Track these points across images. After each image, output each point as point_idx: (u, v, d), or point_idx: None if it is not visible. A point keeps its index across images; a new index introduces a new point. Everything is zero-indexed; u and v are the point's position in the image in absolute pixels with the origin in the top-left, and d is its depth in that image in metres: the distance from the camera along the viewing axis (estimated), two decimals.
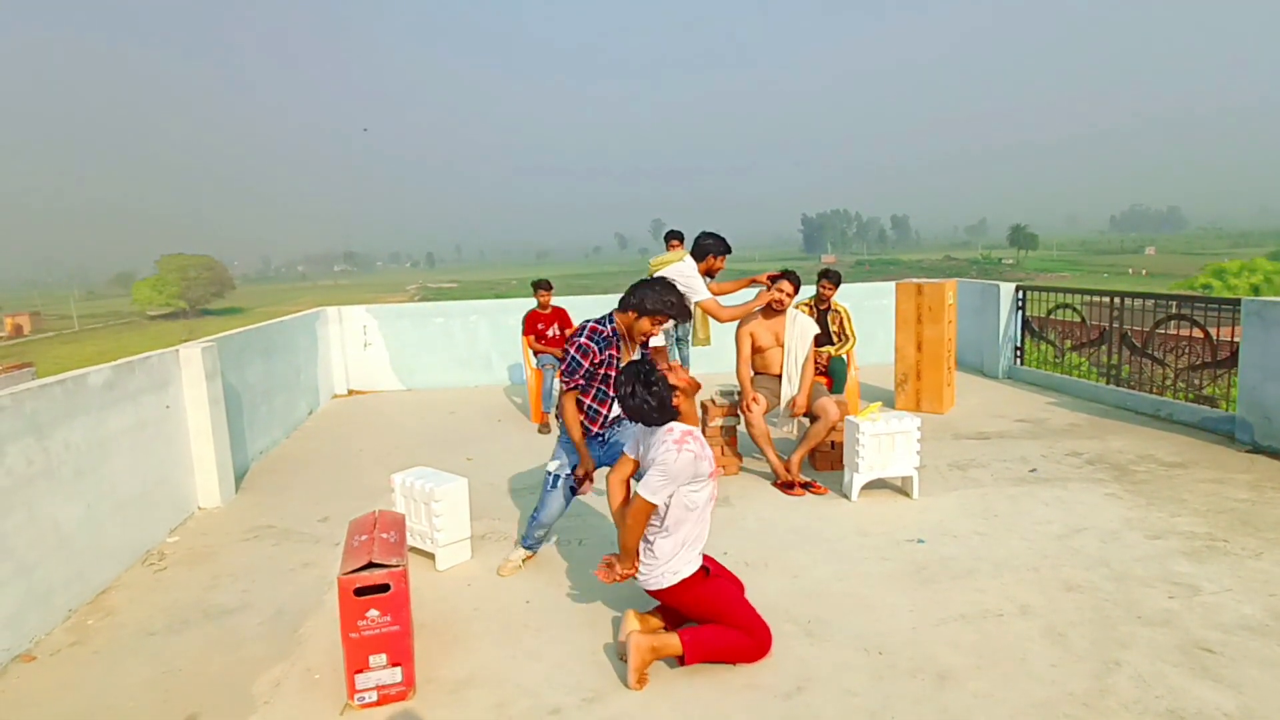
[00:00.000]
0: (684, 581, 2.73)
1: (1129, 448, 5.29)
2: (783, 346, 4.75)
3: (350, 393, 8.18)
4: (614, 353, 3.25)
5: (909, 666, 2.71)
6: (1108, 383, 6.70)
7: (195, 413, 4.50)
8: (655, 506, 2.66)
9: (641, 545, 2.77)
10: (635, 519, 2.68)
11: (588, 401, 3.31)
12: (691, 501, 2.72)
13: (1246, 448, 5.14)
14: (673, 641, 2.64)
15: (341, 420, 7.05)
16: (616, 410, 3.33)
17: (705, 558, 2.90)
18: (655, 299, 3.14)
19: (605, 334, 3.24)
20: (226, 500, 4.66)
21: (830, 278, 5.88)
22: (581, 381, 3.23)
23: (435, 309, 8.58)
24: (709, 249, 4.65)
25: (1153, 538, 3.78)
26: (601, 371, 3.25)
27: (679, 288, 3.39)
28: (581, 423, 3.33)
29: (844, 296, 6.20)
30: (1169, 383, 6.12)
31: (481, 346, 8.41)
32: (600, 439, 3.42)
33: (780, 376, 4.80)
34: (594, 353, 3.19)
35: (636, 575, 2.77)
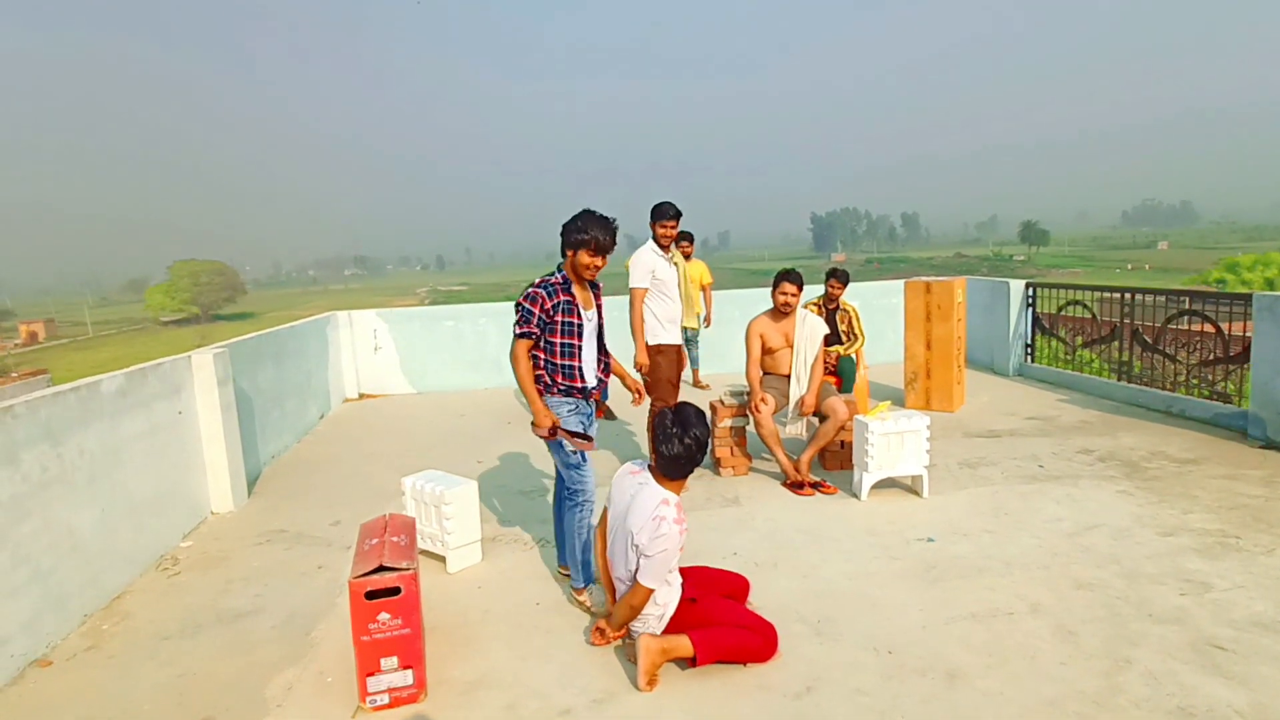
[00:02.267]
0: (674, 619, 2.79)
1: (1140, 444, 5.25)
2: (792, 347, 4.75)
3: (361, 396, 8.24)
4: (567, 298, 3.17)
5: (918, 665, 2.70)
6: (1119, 379, 6.66)
7: (207, 418, 4.55)
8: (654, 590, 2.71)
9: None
10: (638, 606, 2.72)
11: (560, 362, 3.19)
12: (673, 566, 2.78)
13: (1259, 444, 5.09)
14: (683, 643, 2.65)
15: (352, 424, 7.10)
16: (593, 377, 3.31)
17: (689, 581, 2.92)
18: (575, 231, 3.15)
19: (554, 282, 3.20)
20: (239, 505, 4.71)
21: (839, 277, 5.88)
22: (535, 330, 3.14)
23: (445, 312, 8.63)
24: (651, 219, 4.75)
25: (1164, 535, 3.75)
26: (560, 319, 3.17)
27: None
28: (557, 382, 3.21)
29: (853, 295, 6.20)
30: (1181, 379, 6.08)
31: (491, 349, 8.44)
32: (577, 407, 3.28)
33: (789, 377, 4.80)
34: (543, 299, 3.14)
35: (629, 635, 2.85)
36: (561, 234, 3.21)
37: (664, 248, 4.73)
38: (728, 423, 4.93)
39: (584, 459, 3.29)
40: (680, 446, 2.71)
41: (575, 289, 3.22)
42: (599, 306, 3.36)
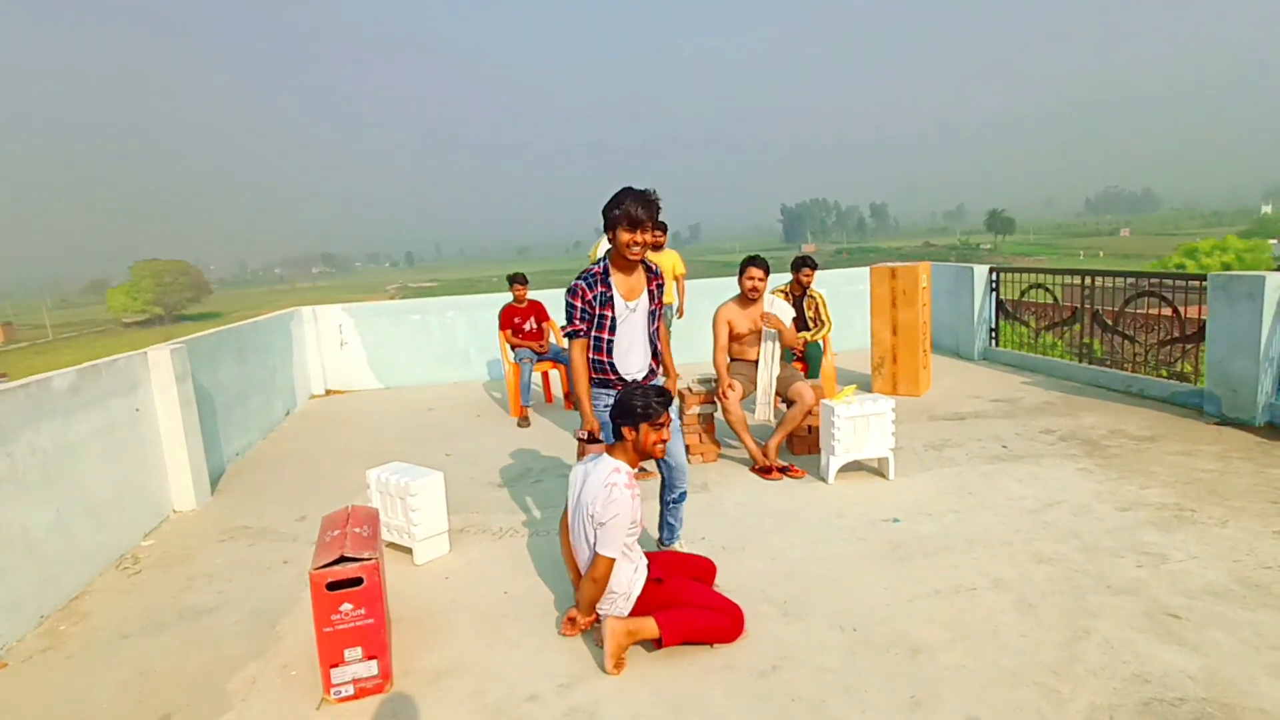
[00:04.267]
0: (640, 600, 2.78)
1: (1101, 423, 5.37)
2: (759, 332, 4.77)
3: (328, 392, 8.12)
4: (604, 289, 3.01)
5: (883, 642, 2.74)
6: (1080, 361, 6.80)
7: (166, 415, 4.45)
8: (616, 559, 2.70)
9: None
10: (601, 579, 2.70)
11: (591, 356, 3.09)
12: (631, 541, 2.79)
13: (1214, 420, 5.24)
14: (648, 625, 2.65)
15: (319, 420, 6.99)
16: (636, 368, 3.13)
17: (654, 564, 2.93)
18: (610, 209, 2.95)
19: (595, 272, 3.05)
20: (202, 502, 4.62)
21: (810, 265, 5.92)
22: (581, 326, 3.03)
23: (412, 306, 8.53)
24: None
25: (1123, 509, 3.84)
26: (597, 312, 3.02)
27: None
28: (593, 377, 3.12)
29: (820, 282, 6.24)
30: (1140, 359, 6.22)
31: (459, 342, 8.37)
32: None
33: (757, 362, 4.82)
34: (583, 290, 3.01)
35: (598, 620, 2.81)
36: (603, 218, 3.02)
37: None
38: (695, 410, 4.94)
39: (669, 456, 3.17)
40: (637, 397, 2.76)
41: (615, 277, 3.05)
42: (653, 291, 3.14)
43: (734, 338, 4.83)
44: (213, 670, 2.77)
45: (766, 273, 4.74)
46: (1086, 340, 6.76)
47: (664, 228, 7.80)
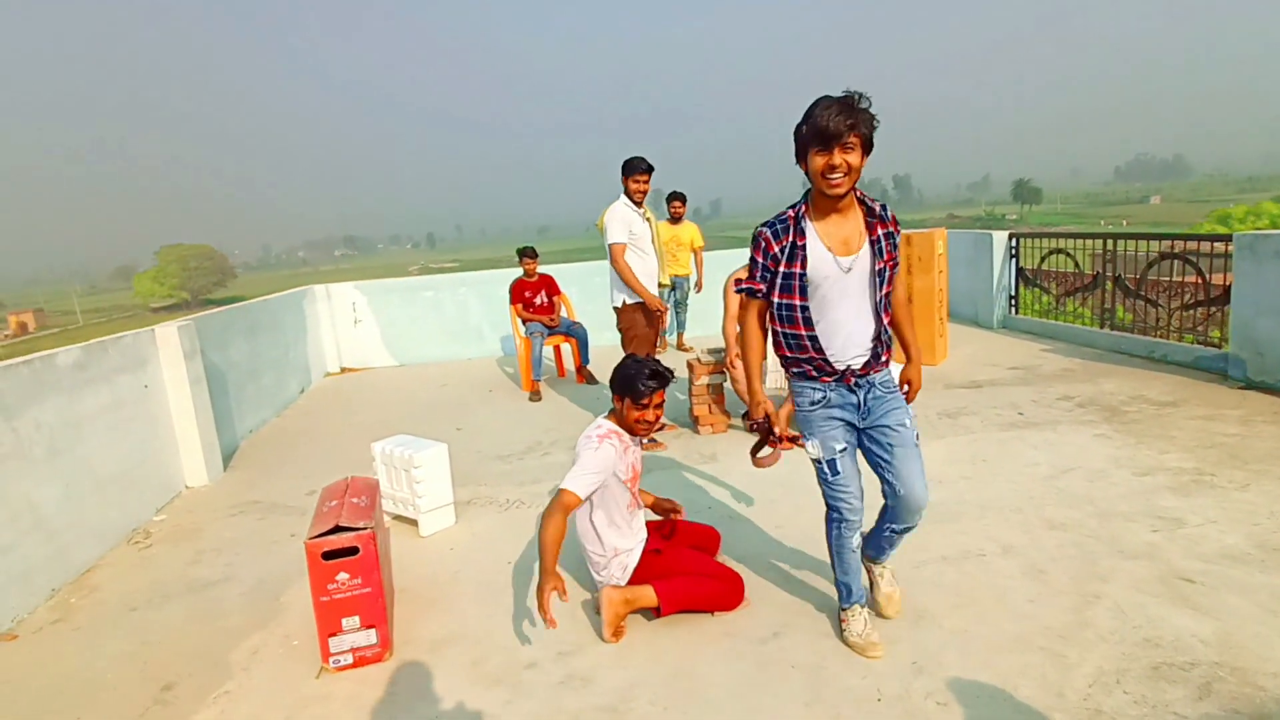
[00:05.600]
0: (637, 570, 2.74)
1: (1121, 389, 5.24)
2: None
3: (343, 370, 8.17)
4: (799, 241, 2.22)
5: None
6: (1101, 327, 6.62)
7: (176, 392, 4.49)
8: (579, 500, 2.52)
9: (588, 554, 2.78)
10: (548, 511, 2.49)
11: (779, 329, 2.35)
12: (617, 500, 2.71)
13: (1239, 384, 5.08)
14: (647, 593, 2.63)
15: (333, 397, 7.04)
16: (851, 351, 2.28)
17: (654, 534, 2.89)
18: (799, 126, 2.18)
19: (787, 216, 2.27)
20: (214, 478, 4.67)
21: None
22: (760, 285, 2.30)
23: (424, 283, 8.52)
24: (623, 174, 4.59)
25: (1140, 474, 3.74)
26: (782, 269, 2.24)
27: None
28: (785, 357, 2.40)
29: None
30: (1164, 324, 6.04)
31: (472, 319, 8.37)
32: (826, 399, 2.34)
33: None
34: (766, 241, 2.27)
35: (563, 593, 2.37)
36: (794, 141, 2.20)
37: (637, 203, 4.64)
38: (705, 380, 4.88)
39: (833, 469, 2.43)
40: (632, 367, 2.69)
41: (815, 224, 2.22)
42: (879, 242, 2.22)
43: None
44: (216, 641, 2.79)
45: None
46: (1108, 306, 6.57)
47: (683, 198, 7.72)
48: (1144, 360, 5.93)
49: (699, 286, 7.70)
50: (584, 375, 6.72)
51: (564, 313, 6.90)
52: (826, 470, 2.44)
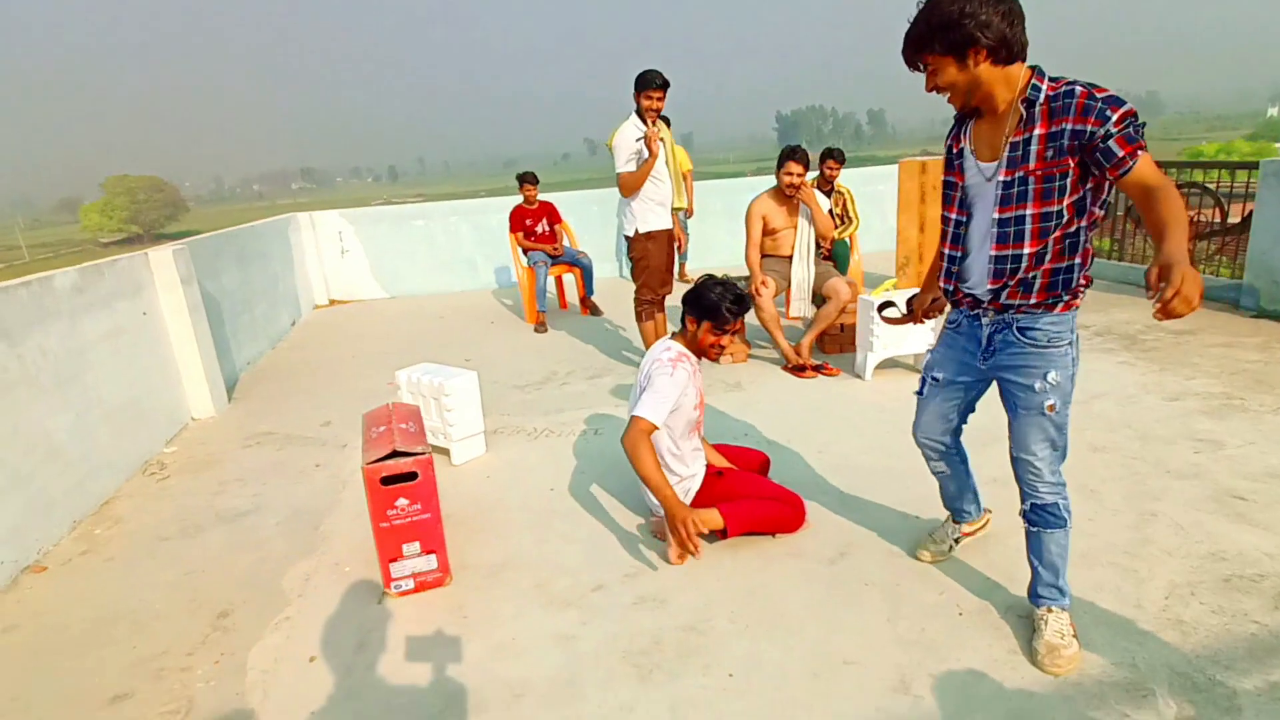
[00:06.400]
0: (699, 494, 2.69)
1: (1135, 319, 5.27)
2: (796, 228, 4.56)
3: (331, 303, 7.89)
4: (956, 145, 1.97)
5: None
6: (1110, 258, 6.64)
7: (175, 320, 4.25)
8: (655, 427, 2.48)
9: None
10: (635, 443, 2.44)
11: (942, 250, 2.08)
12: (683, 426, 2.63)
13: (1250, 313, 5.14)
14: (712, 515, 2.57)
15: (326, 329, 6.80)
16: (974, 277, 1.97)
17: (710, 462, 2.83)
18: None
19: (962, 118, 1.98)
20: (220, 410, 4.48)
21: (835, 156, 5.63)
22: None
23: (415, 211, 8.18)
24: (636, 89, 4.25)
25: (1171, 400, 3.77)
26: (944, 177, 2.02)
27: None
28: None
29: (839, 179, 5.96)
30: None
31: (465, 250, 8.09)
32: (959, 325, 2.09)
33: (790, 259, 4.63)
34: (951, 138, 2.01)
35: (702, 534, 2.39)
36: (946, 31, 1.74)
37: (650, 121, 4.38)
38: None
39: (918, 393, 2.26)
40: (715, 292, 2.56)
41: (974, 125, 1.91)
42: (1020, 146, 1.77)
43: (767, 232, 4.62)
44: (263, 569, 2.69)
45: (807, 167, 4.49)
46: (1118, 237, 6.58)
47: (668, 122, 7.42)
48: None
49: (689, 211, 7.49)
50: (589, 307, 6.57)
51: (567, 242, 6.69)
52: (917, 390, 2.30)
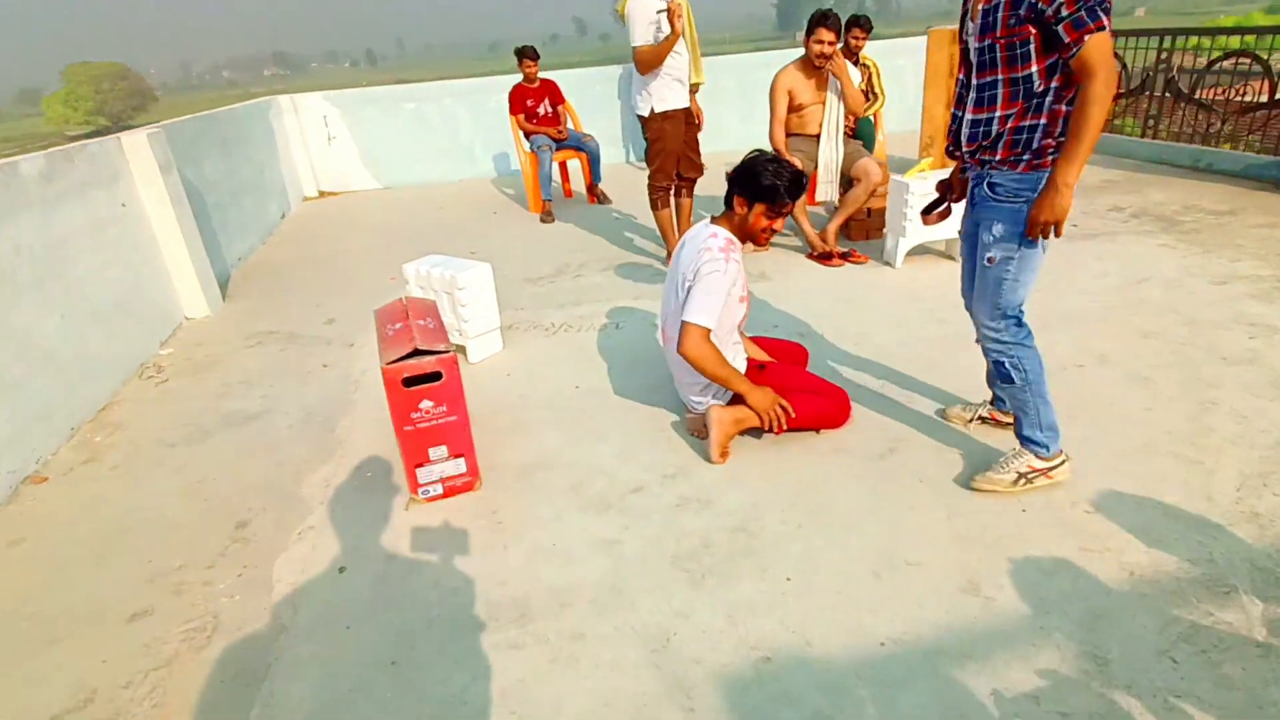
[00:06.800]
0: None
1: (1172, 199, 5.01)
2: (824, 104, 4.19)
3: (321, 194, 7.48)
4: (967, 2, 1.97)
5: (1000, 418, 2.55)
6: (1143, 135, 6.26)
7: (158, 211, 3.94)
8: (712, 328, 2.30)
9: (685, 379, 2.50)
10: (700, 352, 2.28)
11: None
12: (729, 320, 2.43)
13: None
14: (753, 413, 2.43)
15: (319, 222, 6.45)
16: (965, 133, 1.99)
17: (751, 357, 2.65)
18: None
19: None
20: (215, 309, 4.25)
21: (862, 25, 5.14)
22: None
23: (405, 93, 7.60)
24: None
25: (1218, 283, 3.59)
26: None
27: None
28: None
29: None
30: (1213, 130, 5.70)
31: (463, 135, 7.60)
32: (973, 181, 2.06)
33: (818, 137, 4.28)
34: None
35: (784, 411, 2.33)
36: None
37: None
38: None
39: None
40: (772, 171, 2.31)
41: None
42: (991, 12, 1.81)
43: (793, 109, 4.25)
44: (279, 475, 2.56)
45: (839, 35, 4.06)
46: (1154, 113, 6.17)
47: None
48: (1188, 170, 5.66)
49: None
50: (596, 195, 6.22)
51: (570, 125, 6.25)
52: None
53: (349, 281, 4.65)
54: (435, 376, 2.21)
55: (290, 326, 3.97)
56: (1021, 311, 2.06)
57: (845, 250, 4.34)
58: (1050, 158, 1.84)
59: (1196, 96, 5.82)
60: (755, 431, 2.51)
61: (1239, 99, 5.54)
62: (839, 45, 4.09)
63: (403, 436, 2.23)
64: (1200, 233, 4.33)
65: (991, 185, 1.96)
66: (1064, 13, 1.67)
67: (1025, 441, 2.17)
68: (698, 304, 2.29)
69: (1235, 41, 5.58)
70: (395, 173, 7.59)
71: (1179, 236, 4.29)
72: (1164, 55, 5.99)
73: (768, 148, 4.29)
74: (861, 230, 4.66)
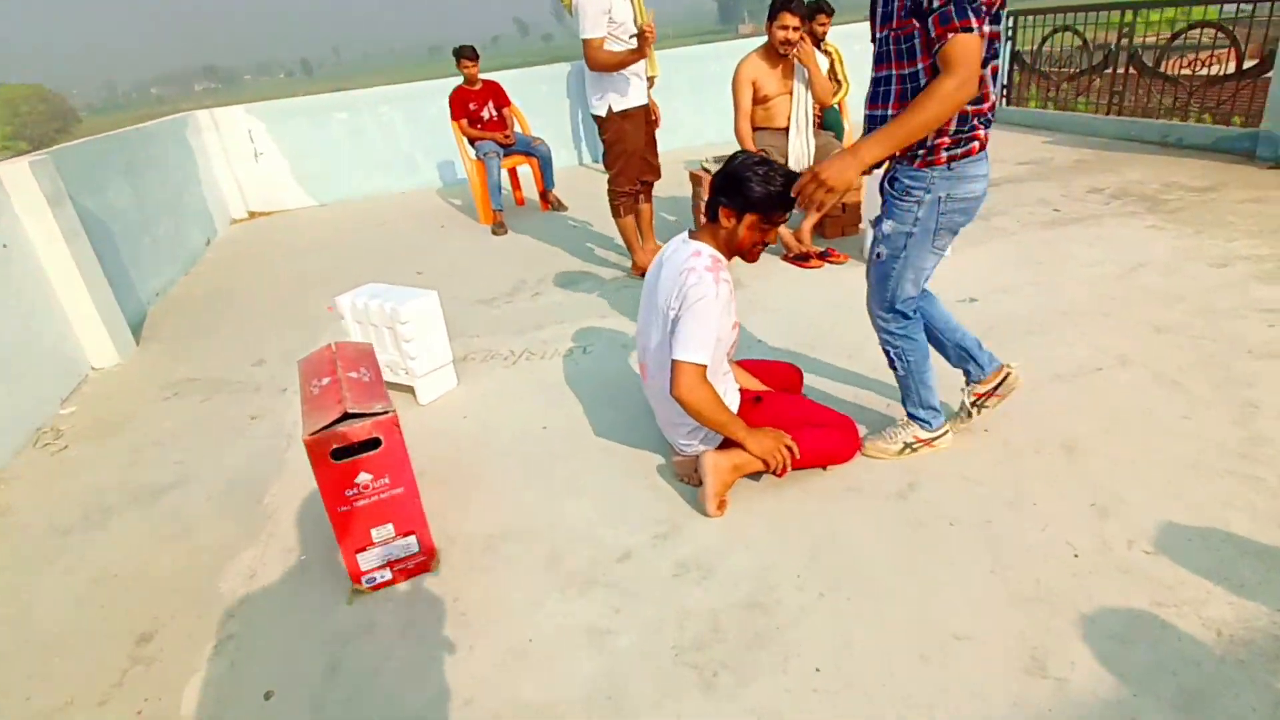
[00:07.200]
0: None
1: (1149, 178, 4.84)
2: (791, 94, 3.88)
3: (251, 215, 6.93)
4: None
5: (1025, 442, 2.27)
6: (1108, 113, 6.13)
7: (50, 249, 3.44)
8: (706, 365, 1.97)
9: (672, 419, 2.15)
10: (695, 395, 1.94)
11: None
12: (720, 352, 2.10)
13: (1269, 164, 4.76)
14: (754, 458, 2.09)
15: (249, 247, 5.93)
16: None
17: (744, 387, 2.32)
18: None
19: None
20: (126, 355, 3.76)
21: (825, 9, 4.84)
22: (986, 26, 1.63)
23: (335, 102, 7.07)
24: None
25: (1218, 266, 3.39)
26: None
27: None
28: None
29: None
30: (1179, 104, 5.58)
31: (403, 144, 7.12)
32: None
33: (786, 130, 3.97)
34: None
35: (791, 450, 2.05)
36: None
37: None
38: None
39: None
40: (763, 177, 1.95)
41: None
42: (893, 0, 1.74)
43: (758, 100, 3.93)
44: (193, 566, 2.13)
45: (803, 21, 3.76)
46: (1118, 88, 6.03)
47: None
48: (1157, 146, 5.53)
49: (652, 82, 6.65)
50: (550, 201, 5.83)
51: (517, 128, 5.84)
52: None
53: (281, 314, 4.19)
54: (373, 444, 1.82)
55: (213, 371, 3.51)
56: (909, 304, 2.04)
57: (822, 249, 4.05)
58: (945, 155, 1.79)
59: (1161, 70, 5.70)
60: (754, 473, 2.18)
61: (1205, 71, 5.41)
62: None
63: (337, 519, 1.84)
64: (1186, 211, 4.15)
65: (891, 180, 1.92)
66: (935, 5, 1.62)
67: (911, 417, 2.24)
68: (688, 338, 1.94)
69: (1198, 12, 5.45)
70: (331, 188, 7.08)
71: (1165, 217, 4.11)
72: (1125, 29, 5.85)
73: (731, 143, 3.99)
74: (837, 227, 4.38)
